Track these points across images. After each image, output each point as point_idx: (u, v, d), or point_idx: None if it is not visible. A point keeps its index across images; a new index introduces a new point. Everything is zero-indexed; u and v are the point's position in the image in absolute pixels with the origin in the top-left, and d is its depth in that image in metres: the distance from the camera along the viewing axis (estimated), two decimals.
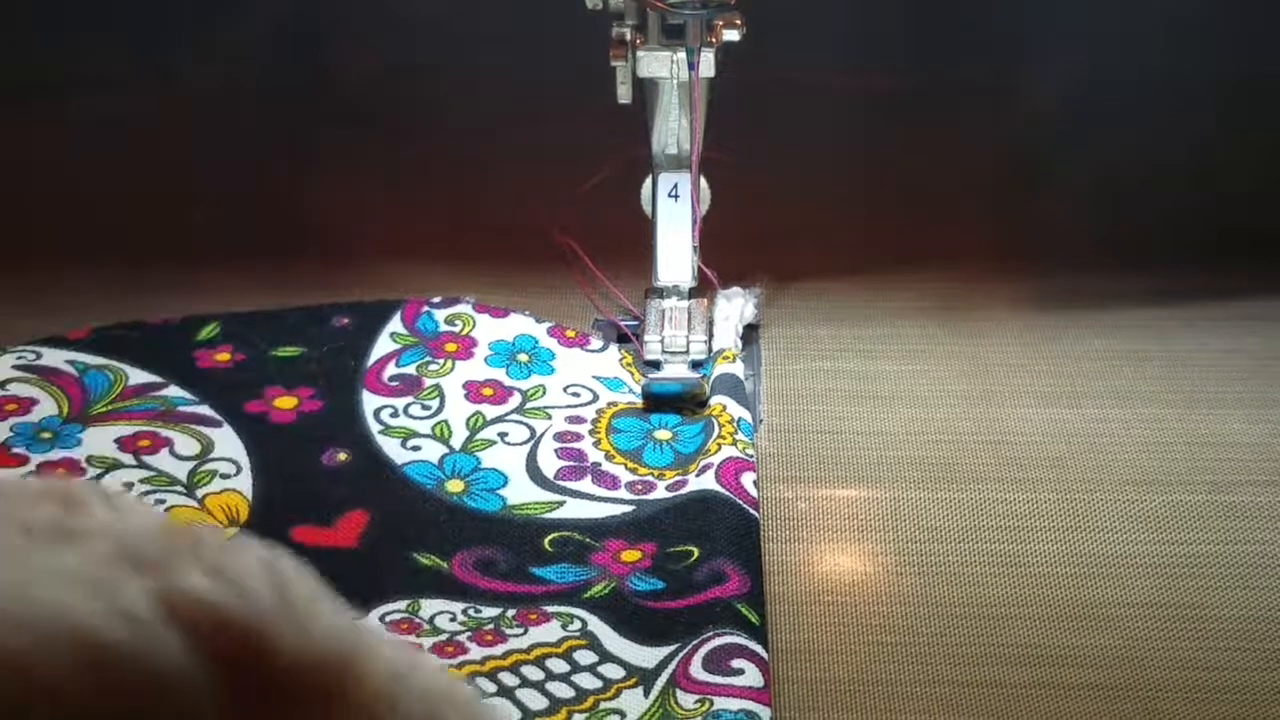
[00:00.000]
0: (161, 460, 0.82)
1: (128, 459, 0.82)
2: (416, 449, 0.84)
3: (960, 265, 1.01)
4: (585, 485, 0.82)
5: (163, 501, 0.80)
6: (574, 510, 0.80)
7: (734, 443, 0.83)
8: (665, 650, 0.71)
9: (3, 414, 0.85)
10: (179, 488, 0.81)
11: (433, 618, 0.73)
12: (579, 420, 0.86)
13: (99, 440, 0.83)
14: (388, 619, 0.73)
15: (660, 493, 0.81)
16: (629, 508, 0.80)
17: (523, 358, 0.90)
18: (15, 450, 0.82)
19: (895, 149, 1.09)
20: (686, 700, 0.68)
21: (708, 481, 0.80)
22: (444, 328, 0.92)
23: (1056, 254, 1.02)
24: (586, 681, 0.69)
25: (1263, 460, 0.85)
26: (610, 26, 0.87)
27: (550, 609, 0.74)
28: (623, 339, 0.94)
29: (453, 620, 0.73)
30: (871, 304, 0.98)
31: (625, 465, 0.83)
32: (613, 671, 0.70)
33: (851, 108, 1.11)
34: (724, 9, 0.86)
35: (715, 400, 0.87)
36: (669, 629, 0.72)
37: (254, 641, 0.30)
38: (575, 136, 1.08)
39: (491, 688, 0.69)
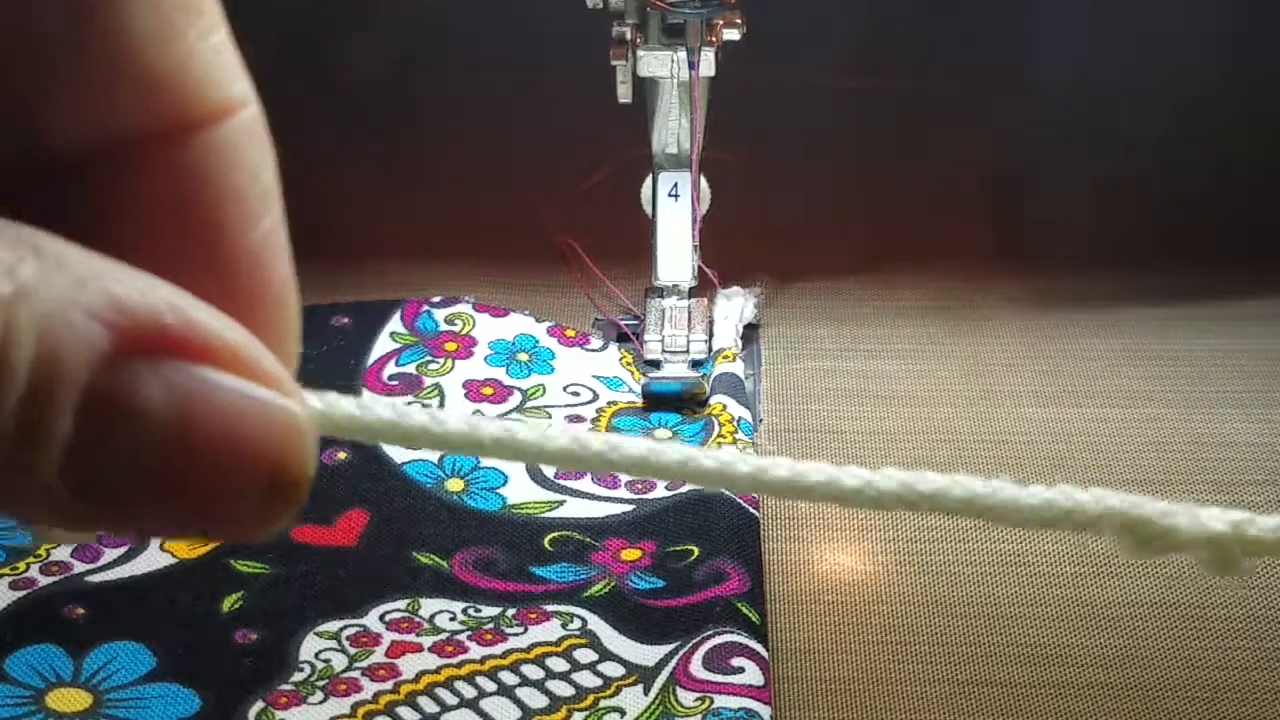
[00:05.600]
0: None
1: None
2: (416, 448, 0.84)
3: (960, 265, 1.01)
4: (585, 484, 0.82)
5: None
6: (574, 509, 0.80)
7: (734, 442, 0.83)
8: (665, 648, 0.71)
9: None
10: None
11: (433, 617, 0.73)
12: (579, 419, 0.86)
13: None
14: (387, 618, 0.73)
15: (660, 491, 0.81)
16: (629, 507, 0.80)
17: (523, 357, 0.90)
18: None
19: (895, 149, 1.09)
20: (686, 698, 0.68)
21: None
22: (444, 327, 0.92)
23: (1057, 253, 1.02)
24: (587, 680, 0.69)
25: (1263, 460, 0.85)
26: (610, 26, 0.87)
27: (550, 608, 0.74)
28: (623, 338, 0.93)
29: (453, 620, 0.73)
30: (871, 304, 0.98)
31: None
32: (613, 670, 0.70)
33: (851, 108, 1.11)
34: (724, 8, 0.86)
35: (715, 400, 0.87)
36: (669, 627, 0.72)
37: None
38: (575, 136, 1.07)
39: (492, 686, 0.69)
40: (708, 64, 0.86)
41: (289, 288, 0.28)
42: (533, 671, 0.70)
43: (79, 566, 0.75)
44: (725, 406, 0.86)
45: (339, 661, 0.70)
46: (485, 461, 0.83)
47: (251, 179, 0.28)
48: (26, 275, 0.23)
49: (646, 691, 0.69)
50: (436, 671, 0.70)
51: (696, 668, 0.69)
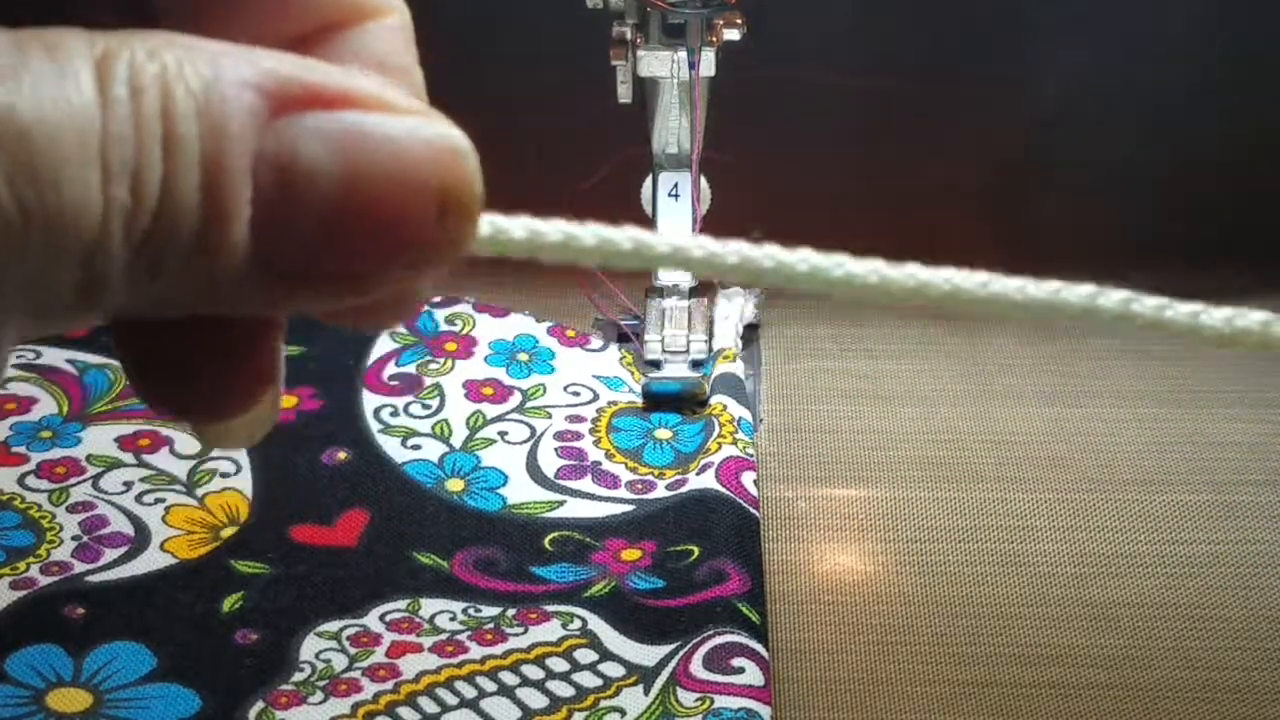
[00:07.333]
0: (161, 459, 0.82)
1: (128, 458, 0.82)
2: (417, 448, 0.84)
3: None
4: (585, 484, 0.82)
5: (163, 500, 0.80)
6: (574, 509, 0.80)
7: (734, 442, 0.83)
8: (666, 648, 0.71)
9: (2, 413, 0.85)
10: (179, 486, 0.81)
11: (433, 617, 0.73)
12: (579, 419, 0.86)
13: (99, 439, 0.83)
14: (387, 618, 0.73)
15: (660, 492, 0.81)
16: (629, 507, 0.80)
17: (523, 357, 0.90)
18: (15, 449, 0.82)
19: (895, 149, 1.09)
20: (687, 698, 0.68)
21: (708, 480, 0.80)
22: (444, 327, 0.92)
23: (1057, 253, 1.02)
24: (587, 680, 0.69)
25: (1263, 460, 0.85)
26: (610, 26, 0.87)
27: (550, 608, 0.74)
28: (623, 338, 0.93)
29: (453, 620, 0.73)
30: (871, 304, 0.98)
31: (625, 464, 0.83)
32: (613, 670, 0.70)
33: (852, 108, 1.11)
34: (724, 8, 0.86)
35: (715, 399, 0.87)
36: (669, 627, 0.72)
37: None
38: (575, 136, 1.07)
39: (492, 686, 0.69)
40: (708, 64, 0.86)
41: None
42: (533, 672, 0.70)
43: (79, 566, 0.75)
44: (725, 406, 0.86)
45: (339, 661, 0.70)
46: (485, 461, 0.83)
47: (394, 73, 0.29)
48: (169, 59, 0.24)
49: (647, 692, 0.69)
50: (437, 671, 0.70)
51: (697, 668, 0.69)
